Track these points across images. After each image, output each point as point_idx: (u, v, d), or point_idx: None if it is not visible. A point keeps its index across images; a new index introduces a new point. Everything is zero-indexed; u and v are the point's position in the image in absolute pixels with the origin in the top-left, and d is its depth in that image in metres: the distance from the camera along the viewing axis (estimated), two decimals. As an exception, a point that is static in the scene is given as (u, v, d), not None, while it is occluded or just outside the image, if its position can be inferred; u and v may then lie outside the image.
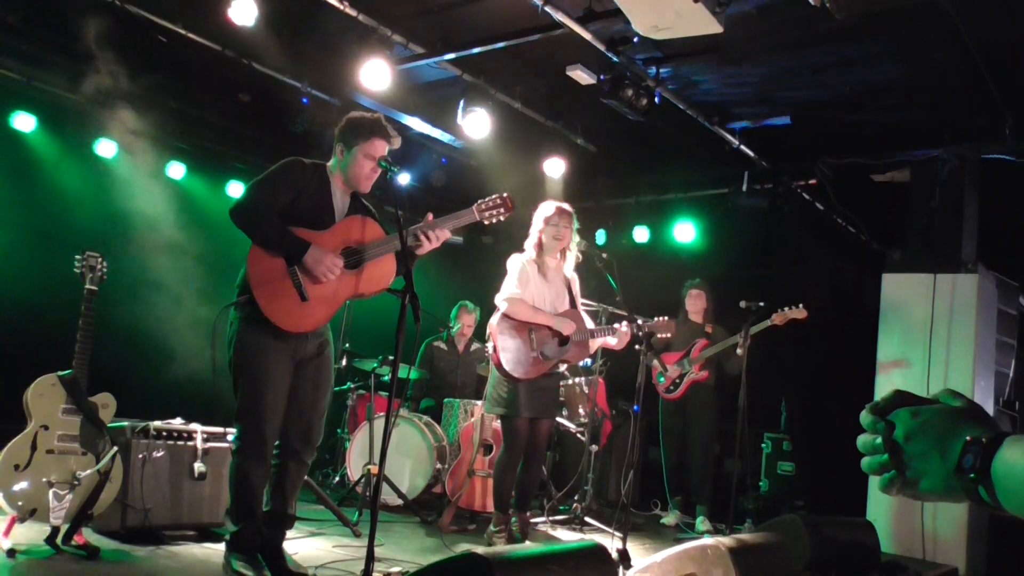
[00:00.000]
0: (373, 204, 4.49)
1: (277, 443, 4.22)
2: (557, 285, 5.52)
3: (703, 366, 7.50)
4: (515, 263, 5.48)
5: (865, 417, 1.20)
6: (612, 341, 5.46)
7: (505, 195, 4.43)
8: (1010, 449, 1.05)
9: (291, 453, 4.24)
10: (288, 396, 4.16)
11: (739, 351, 7.00)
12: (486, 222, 4.43)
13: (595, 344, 5.61)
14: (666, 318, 5.55)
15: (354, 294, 4.19)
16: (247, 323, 4.05)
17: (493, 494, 5.59)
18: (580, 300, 5.74)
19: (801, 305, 6.84)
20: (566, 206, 5.53)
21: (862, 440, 1.19)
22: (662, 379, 7.63)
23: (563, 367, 5.75)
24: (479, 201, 4.41)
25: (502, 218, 4.43)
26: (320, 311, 4.11)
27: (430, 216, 4.25)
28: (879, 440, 1.17)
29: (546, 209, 5.51)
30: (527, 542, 5.42)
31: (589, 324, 5.61)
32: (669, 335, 5.62)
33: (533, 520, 6.65)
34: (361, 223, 4.25)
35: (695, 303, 7.72)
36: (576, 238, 5.55)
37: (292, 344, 4.12)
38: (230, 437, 4.99)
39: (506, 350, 5.35)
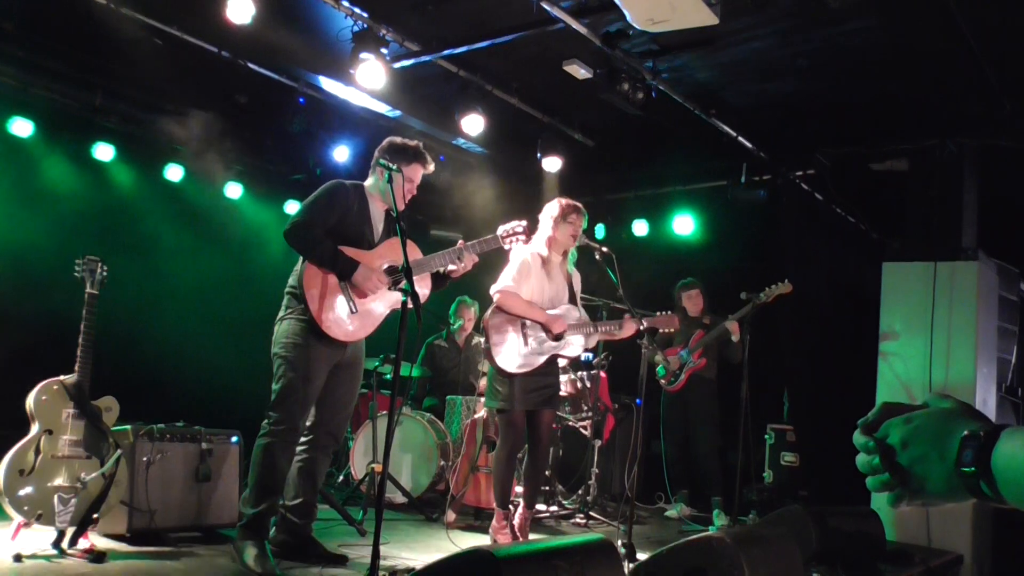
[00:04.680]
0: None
1: (308, 437, 4.56)
2: (559, 282, 5.50)
3: (701, 354, 7.51)
4: (519, 255, 5.39)
5: (858, 438, 1.20)
6: (618, 332, 5.44)
7: (526, 224, 4.87)
8: (1008, 441, 1.05)
9: (322, 447, 4.61)
10: (324, 395, 4.53)
11: (734, 338, 7.03)
12: (507, 247, 4.89)
13: (595, 338, 5.61)
14: (669, 312, 5.54)
15: (395, 308, 4.53)
16: (296, 323, 4.41)
17: (494, 490, 5.56)
18: (580, 296, 5.73)
19: (786, 280, 6.82)
20: (580, 205, 5.49)
21: (860, 461, 1.19)
22: (663, 372, 7.64)
23: (563, 361, 5.74)
24: (501, 227, 4.83)
25: (517, 242, 4.88)
26: (367, 323, 4.55)
27: (461, 242, 4.67)
28: (877, 460, 1.17)
29: (563, 207, 5.43)
30: (530, 536, 5.42)
31: (587, 319, 5.61)
32: (672, 330, 5.63)
33: (537, 515, 6.65)
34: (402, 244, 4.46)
35: (693, 303, 7.71)
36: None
37: (334, 349, 4.47)
38: (234, 438, 5.05)
39: (499, 345, 5.32)
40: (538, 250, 5.43)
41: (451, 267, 4.68)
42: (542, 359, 5.33)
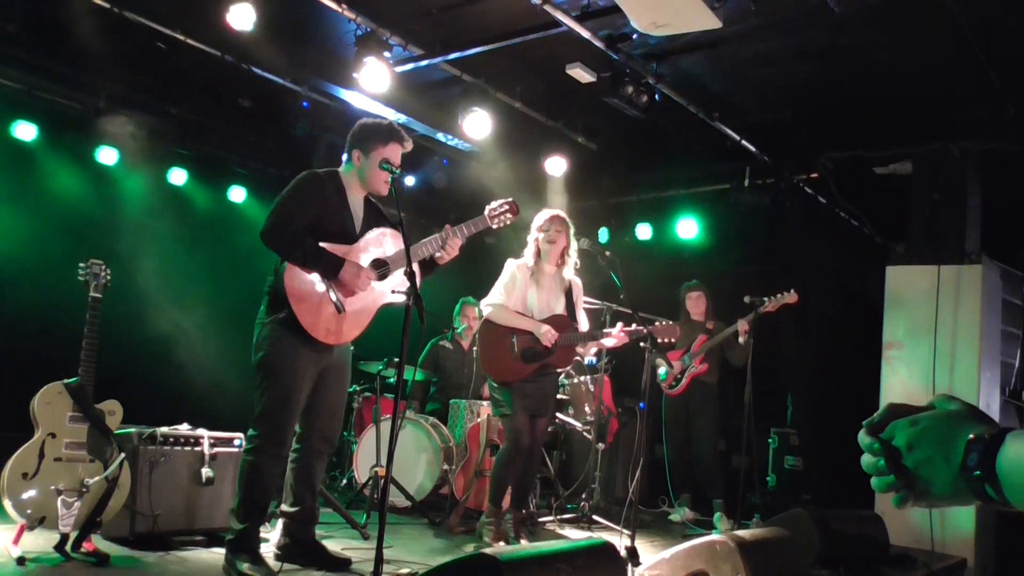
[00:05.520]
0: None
1: (301, 445, 4.44)
2: (552, 290, 5.58)
3: (703, 359, 7.50)
4: (506, 268, 5.61)
5: (863, 439, 1.19)
6: (609, 343, 5.50)
7: (511, 200, 4.67)
8: (1013, 444, 1.05)
9: (316, 453, 4.47)
10: (315, 400, 4.35)
11: (741, 340, 6.98)
12: (495, 226, 4.65)
13: (590, 348, 5.69)
14: (670, 322, 5.56)
15: (384, 303, 4.38)
16: (280, 328, 4.17)
17: (489, 487, 5.68)
18: (582, 303, 5.77)
19: (792, 290, 6.82)
20: (559, 212, 5.60)
21: (866, 462, 1.19)
22: (664, 376, 7.64)
23: (564, 369, 5.79)
24: (488, 208, 4.64)
25: (509, 221, 4.66)
26: (357, 322, 4.31)
27: (448, 227, 4.43)
28: (882, 462, 1.16)
29: (539, 216, 5.61)
30: (523, 541, 5.43)
31: (584, 328, 5.65)
32: (673, 339, 5.62)
33: (541, 519, 6.66)
34: (386, 235, 4.43)
35: (696, 304, 7.71)
36: (575, 243, 5.59)
37: (320, 353, 4.27)
38: (236, 442, 5.02)
39: (488, 354, 5.54)
40: (525, 261, 5.59)
41: (438, 254, 4.41)
42: (530, 368, 5.45)
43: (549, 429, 7.23)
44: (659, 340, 5.57)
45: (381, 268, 4.34)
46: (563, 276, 5.62)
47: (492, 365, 5.52)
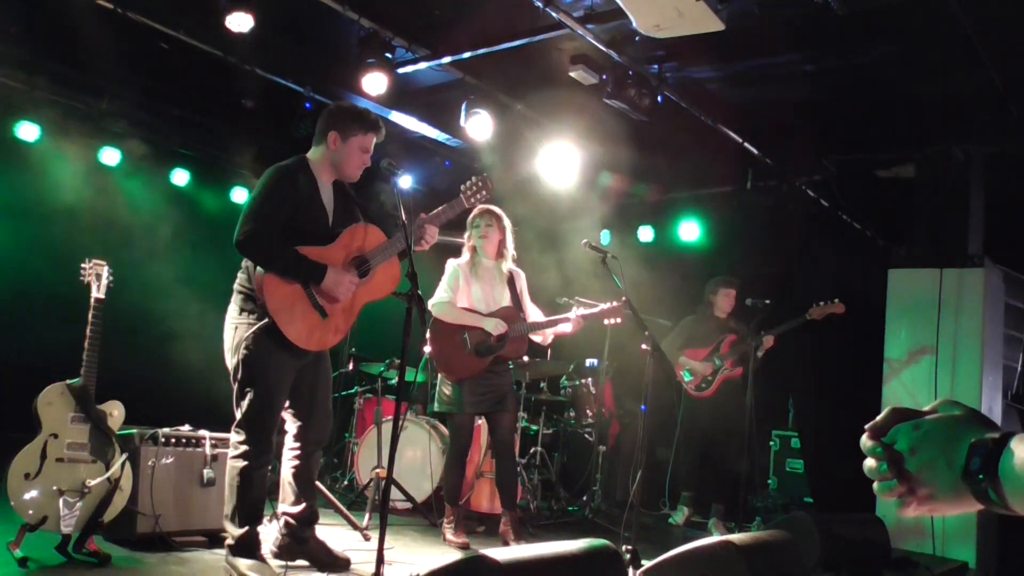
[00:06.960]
0: (378, 208, 4.54)
1: (297, 444, 4.41)
2: (494, 283, 5.66)
3: (735, 362, 7.34)
4: (448, 267, 5.67)
5: (865, 443, 1.19)
6: (567, 328, 5.50)
7: (484, 176, 4.67)
8: (1016, 448, 1.04)
9: (310, 452, 4.45)
10: (302, 399, 4.33)
11: (759, 353, 6.83)
12: (469, 205, 4.65)
13: (546, 335, 5.68)
14: (614, 303, 5.49)
15: (367, 301, 4.30)
16: (257, 331, 4.07)
17: (444, 489, 5.82)
18: (526, 292, 5.80)
19: (837, 300, 6.79)
20: (491, 207, 5.63)
21: (868, 466, 1.18)
22: (689, 376, 7.42)
23: (516, 359, 5.82)
24: (462, 187, 4.62)
25: (484, 197, 4.67)
26: (340, 325, 4.23)
27: (423, 215, 4.38)
28: (884, 466, 1.16)
29: (473, 212, 5.59)
30: (522, 543, 5.43)
31: (536, 318, 5.68)
32: (618, 321, 5.55)
33: (543, 522, 6.65)
34: (363, 231, 4.33)
35: (727, 301, 7.47)
36: (511, 235, 5.66)
37: (299, 356, 4.20)
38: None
39: (441, 352, 5.59)
40: (465, 258, 5.68)
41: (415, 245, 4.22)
42: (484, 361, 5.49)
43: (550, 431, 7.26)
44: (606, 322, 5.55)
45: (362, 267, 4.23)
46: (503, 268, 5.67)
47: (446, 363, 5.57)
